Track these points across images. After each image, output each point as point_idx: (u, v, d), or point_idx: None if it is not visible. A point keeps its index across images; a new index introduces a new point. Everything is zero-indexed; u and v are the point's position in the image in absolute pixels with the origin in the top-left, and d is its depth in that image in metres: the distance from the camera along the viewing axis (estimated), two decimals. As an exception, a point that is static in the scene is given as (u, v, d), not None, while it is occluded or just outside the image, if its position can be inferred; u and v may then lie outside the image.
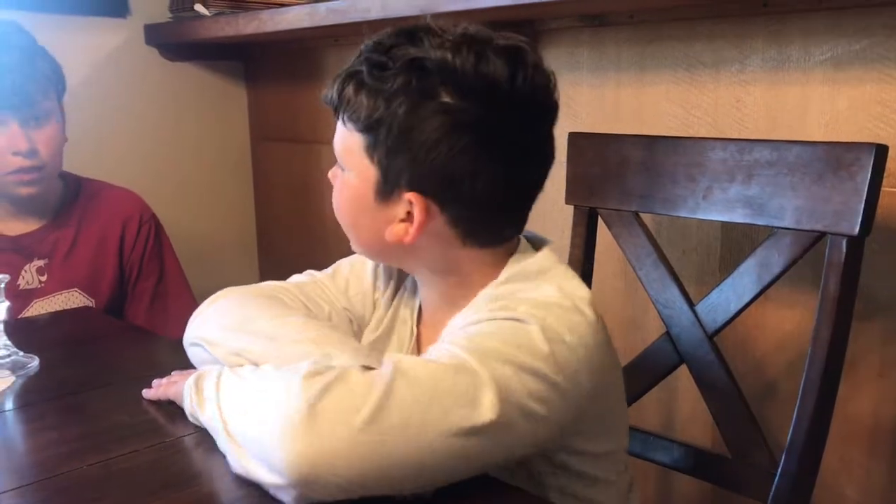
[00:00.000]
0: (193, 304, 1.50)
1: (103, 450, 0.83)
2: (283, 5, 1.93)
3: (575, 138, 1.28)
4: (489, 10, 1.48)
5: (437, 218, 0.80)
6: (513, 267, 0.84)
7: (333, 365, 0.70)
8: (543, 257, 0.85)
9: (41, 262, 1.41)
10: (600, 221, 1.28)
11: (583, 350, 0.75)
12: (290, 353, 0.80)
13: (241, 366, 0.81)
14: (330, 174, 0.89)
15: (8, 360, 1.05)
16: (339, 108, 0.81)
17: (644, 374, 1.22)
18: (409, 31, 0.78)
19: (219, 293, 0.97)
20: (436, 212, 0.80)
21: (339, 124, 0.83)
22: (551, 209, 1.56)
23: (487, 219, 0.83)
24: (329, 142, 0.87)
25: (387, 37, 0.79)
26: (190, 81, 2.35)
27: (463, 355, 0.70)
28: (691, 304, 1.15)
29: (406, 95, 0.76)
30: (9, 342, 1.06)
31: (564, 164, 1.31)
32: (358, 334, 0.96)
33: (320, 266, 1.03)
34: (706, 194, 1.12)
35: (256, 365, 0.81)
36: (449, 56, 0.75)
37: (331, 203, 0.89)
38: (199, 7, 2.07)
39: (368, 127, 0.78)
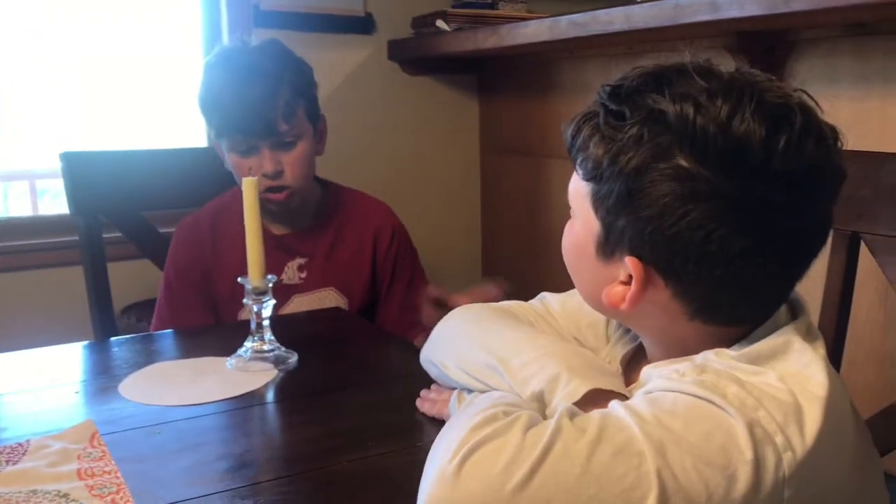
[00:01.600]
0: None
1: (362, 447, 0.87)
2: (521, 19, 1.95)
3: (838, 157, 1.18)
4: (739, 21, 1.42)
5: (660, 290, 0.70)
6: (748, 343, 0.69)
7: (515, 405, 0.68)
8: (786, 336, 0.69)
9: (302, 261, 1.52)
10: (861, 248, 1.18)
11: (792, 457, 0.61)
12: (516, 377, 0.79)
13: (475, 386, 0.83)
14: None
15: (271, 354, 1.13)
16: (570, 150, 0.74)
17: (908, 417, 1.11)
18: (659, 73, 0.68)
19: (453, 312, 0.97)
20: (659, 284, 0.69)
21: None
22: (800, 231, 1.46)
23: (722, 301, 0.70)
24: (558, 155, 0.83)
25: (631, 78, 0.69)
26: (427, 94, 2.45)
27: (634, 429, 0.61)
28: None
29: (636, 152, 0.66)
30: (272, 337, 1.15)
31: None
32: None
33: (543, 279, 1.01)
34: None
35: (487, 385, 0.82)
36: (691, 110, 0.64)
37: (557, 216, 0.85)
38: (440, 23, 2.15)
39: (594, 178, 0.70)
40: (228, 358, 1.14)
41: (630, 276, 0.70)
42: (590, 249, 0.73)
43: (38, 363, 1.21)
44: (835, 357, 1.19)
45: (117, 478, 0.80)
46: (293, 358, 1.15)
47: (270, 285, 1.12)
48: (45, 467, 0.81)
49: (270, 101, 1.41)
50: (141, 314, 2.03)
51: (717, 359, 0.68)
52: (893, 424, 1.08)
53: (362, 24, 2.31)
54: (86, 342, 1.33)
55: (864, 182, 1.15)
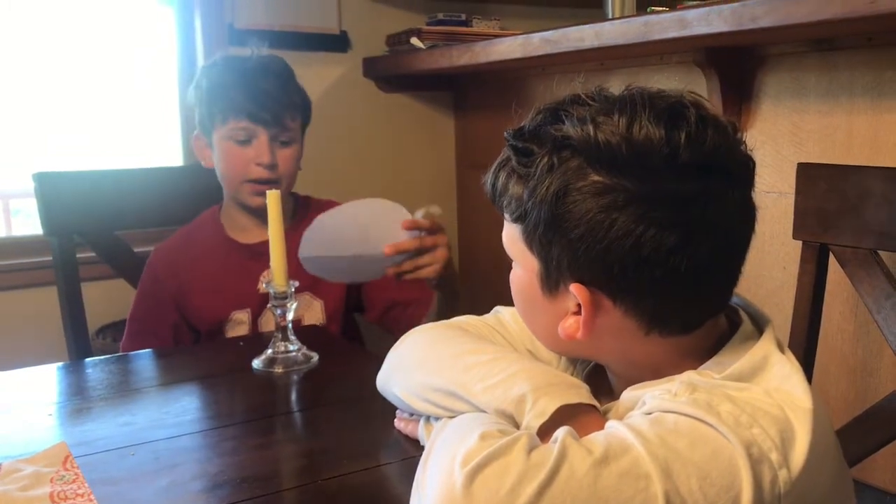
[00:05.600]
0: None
1: (338, 465, 0.87)
2: (495, 37, 1.97)
3: (806, 169, 1.21)
4: (708, 37, 1.44)
5: (610, 312, 0.71)
6: (728, 356, 0.72)
7: (508, 429, 0.68)
8: (763, 351, 0.71)
9: None
10: (831, 259, 1.20)
11: (787, 474, 0.63)
12: (480, 401, 0.77)
13: (439, 413, 0.83)
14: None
15: (294, 354, 1.19)
16: (494, 199, 0.77)
17: (879, 425, 1.13)
18: (554, 107, 0.72)
19: (406, 334, 0.96)
20: (607, 304, 0.71)
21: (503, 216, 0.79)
22: (771, 242, 1.48)
23: (670, 307, 0.71)
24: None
25: (530, 119, 0.73)
26: (403, 111, 2.45)
27: (640, 450, 0.61)
28: (940, 353, 1.05)
29: (552, 179, 0.69)
30: (295, 338, 1.21)
31: (789, 196, 1.24)
32: None
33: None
34: (961, 233, 1.02)
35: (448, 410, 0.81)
36: (591, 129, 0.67)
37: None
38: (414, 41, 2.16)
39: (521, 216, 0.73)
40: (255, 360, 1.19)
41: (579, 305, 0.72)
42: (535, 289, 0.75)
43: (11, 385, 1.20)
44: (806, 367, 1.21)
45: (90, 500, 0.79)
46: (315, 358, 1.20)
47: (293, 290, 1.18)
48: (16, 491, 0.81)
49: (282, 93, 1.51)
50: (116, 335, 2.01)
51: (703, 379, 0.69)
52: (866, 433, 1.10)
53: (337, 42, 2.32)
54: (60, 363, 1.32)
55: (831, 194, 1.17)
